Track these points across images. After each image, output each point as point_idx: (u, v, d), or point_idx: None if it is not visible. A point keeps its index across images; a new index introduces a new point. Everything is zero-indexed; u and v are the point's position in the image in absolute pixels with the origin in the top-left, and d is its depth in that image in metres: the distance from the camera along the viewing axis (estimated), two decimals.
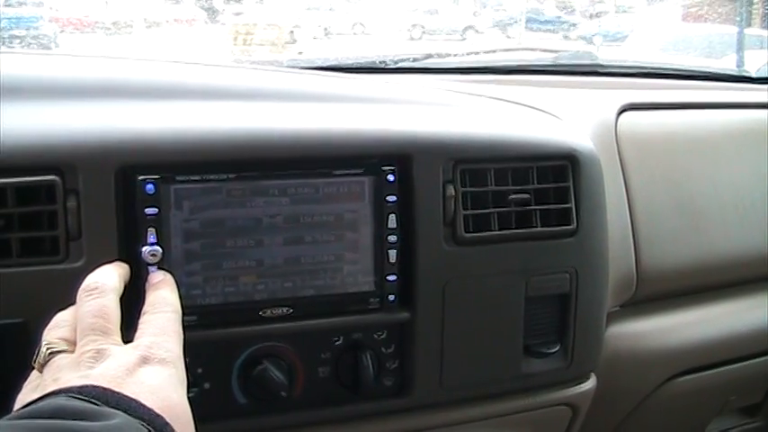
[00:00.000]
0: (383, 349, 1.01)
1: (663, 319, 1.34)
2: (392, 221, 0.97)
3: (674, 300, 1.35)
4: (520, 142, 1.07)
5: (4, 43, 1.79)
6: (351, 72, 1.36)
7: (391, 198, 0.96)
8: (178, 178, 0.89)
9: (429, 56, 1.63)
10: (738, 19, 2.16)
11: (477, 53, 1.75)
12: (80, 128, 0.90)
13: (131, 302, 0.78)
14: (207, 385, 0.94)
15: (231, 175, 0.91)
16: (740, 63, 2.09)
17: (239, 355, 0.95)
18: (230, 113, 1.00)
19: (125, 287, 0.78)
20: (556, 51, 1.75)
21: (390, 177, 0.96)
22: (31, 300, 0.85)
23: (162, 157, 0.90)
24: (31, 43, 1.88)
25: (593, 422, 1.23)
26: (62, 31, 2.24)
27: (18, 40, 1.88)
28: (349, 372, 0.99)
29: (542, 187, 1.06)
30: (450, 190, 1.00)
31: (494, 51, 1.76)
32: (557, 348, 1.09)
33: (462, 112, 1.18)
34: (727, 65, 2.16)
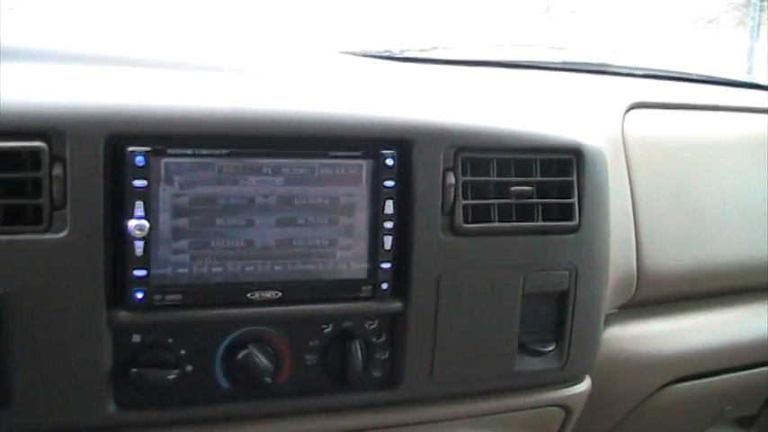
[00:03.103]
0: (373, 339, 0.98)
1: (661, 324, 1.31)
2: (389, 207, 0.94)
3: (674, 305, 1.33)
4: (524, 133, 1.04)
5: None
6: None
7: (389, 183, 0.94)
8: (169, 151, 0.86)
9: (435, 47, 1.61)
10: (751, 24, 2.14)
11: (484, 47, 1.72)
12: (70, 94, 0.87)
13: None
14: (189, 368, 0.92)
15: (224, 151, 0.88)
16: (750, 70, 2.07)
17: (224, 338, 0.93)
18: (227, 88, 0.97)
19: None
20: (564, 49, 1.72)
21: (389, 161, 0.93)
22: (12, 271, 0.82)
23: (154, 127, 0.87)
24: None
25: (586, 426, 1.21)
26: None
27: None
28: (337, 361, 0.96)
29: (545, 180, 1.03)
30: (451, 178, 0.97)
31: (501, 46, 1.73)
32: (552, 347, 1.07)
33: (467, 101, 1.15)
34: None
